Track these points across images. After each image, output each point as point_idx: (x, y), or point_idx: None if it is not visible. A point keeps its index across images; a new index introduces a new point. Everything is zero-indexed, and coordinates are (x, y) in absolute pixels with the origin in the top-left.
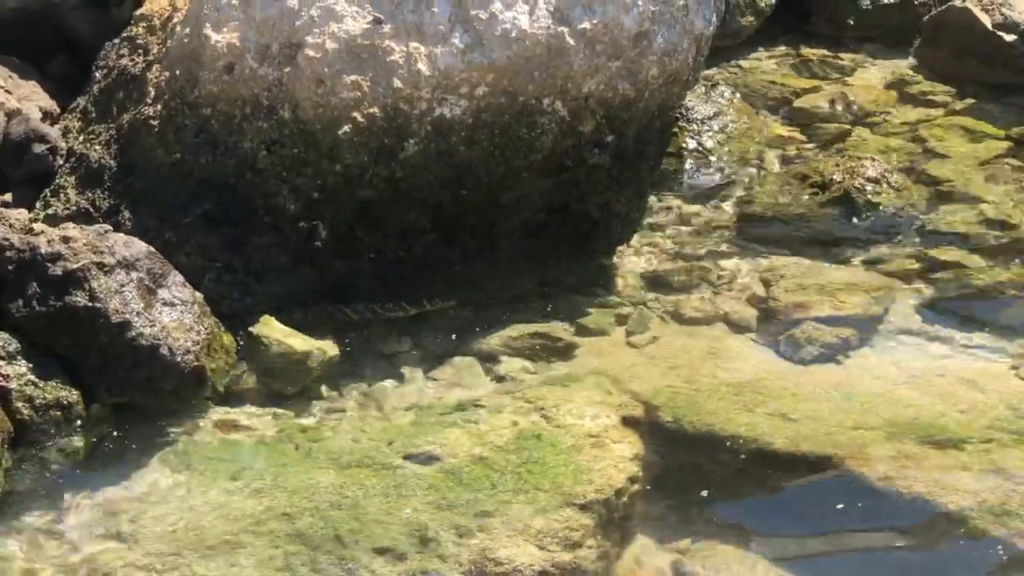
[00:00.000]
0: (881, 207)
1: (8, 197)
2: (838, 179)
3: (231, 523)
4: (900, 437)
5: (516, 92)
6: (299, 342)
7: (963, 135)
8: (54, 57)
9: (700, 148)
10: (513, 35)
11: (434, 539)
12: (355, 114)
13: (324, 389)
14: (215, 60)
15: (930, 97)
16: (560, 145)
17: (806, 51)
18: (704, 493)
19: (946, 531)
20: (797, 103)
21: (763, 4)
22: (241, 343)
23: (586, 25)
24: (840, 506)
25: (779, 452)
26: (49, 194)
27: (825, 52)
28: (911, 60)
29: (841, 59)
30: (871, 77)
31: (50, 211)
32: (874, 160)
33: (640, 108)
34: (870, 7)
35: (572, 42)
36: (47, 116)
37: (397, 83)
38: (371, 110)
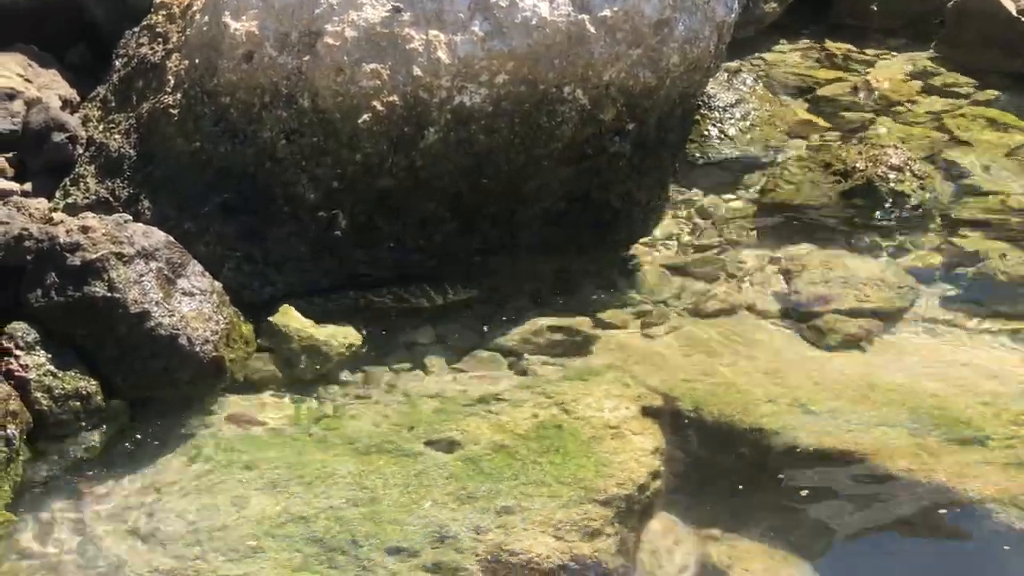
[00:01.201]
0: (904, 196)
1: (28, 186)
2: (861, 167)
3: (249, 523)
4: (923, 430)
5: (536, 80)
6: (319, 331)
7: (986, 125)
8: (74, 46)
9: (722, 136)
10: (533, 23)
11: (453, 536)
12: (375, 103)
13: (344, 377)
14: (234, 48)
15: (953, 88)
16: (581, 133)
17: (830, 44)
18: (726, 486)
19: (969, 524)
20: (820, 92)
21: None
22: (261, 333)
23: (607, 13)
24: (863, 500)
25: (800, 445)
26: (69, 183)
27: (849, 46)
28: (934, 52)
29: (865, 53)
30: (894, 68)
31: (70, 200)
32: (897, 148)
33: (661, 96)
34: None
35: (593, 30)
36: (67, 105)
37: (417, 71)
38: (391, 98)
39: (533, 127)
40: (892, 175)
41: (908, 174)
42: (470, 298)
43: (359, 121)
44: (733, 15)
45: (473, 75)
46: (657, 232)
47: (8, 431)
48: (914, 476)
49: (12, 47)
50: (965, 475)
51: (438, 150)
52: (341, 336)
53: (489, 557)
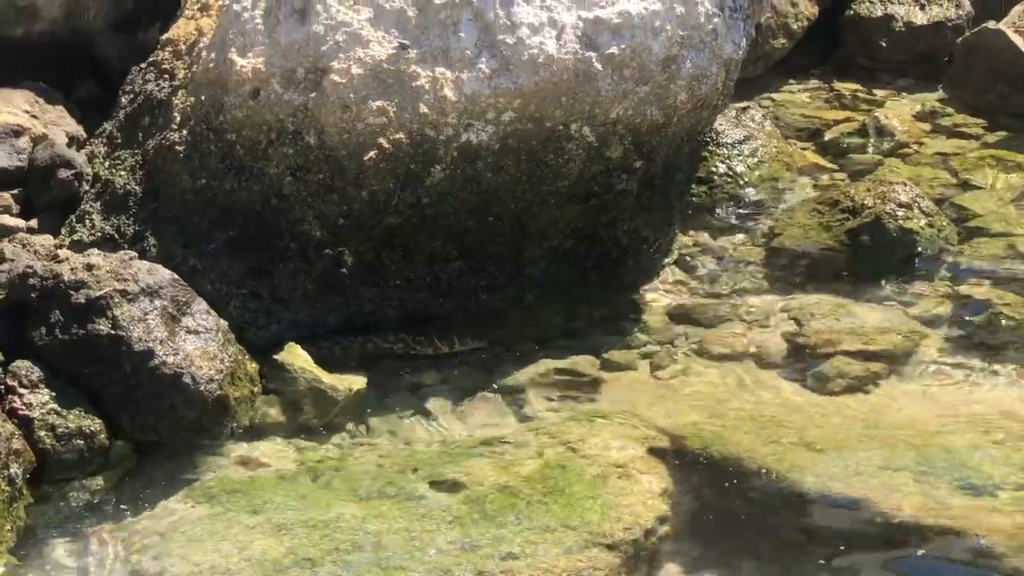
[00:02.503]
0: (913, 235)
1: (34, 223)
2: (869, 204)
3: (253, 566)
4: (930, 475)
5: (543, 118)
6: (325, 374)
7: (996, 167)
8: (81, 82)
9: (730, 172)
10: (540, 60)
11: None
12: (381, 140)
13: (349, 420)
14: (240, 85)
15: (962, 129)
16: (588, 171)
17: (839, 84)
18: (733, 531)
19: (978, 572)
20: (829, 134)
21: (795, 26)
22: (266, 371)
23: (614, 50)
24: (870, 546)
25: (807, 490)
26: (74, 220)
27: (858, 86)
28: (942, 92)
29: (873, 93)
30: (903, 109)
31: (75, 237)
32: (906, 185)
33: (669, 133)
34: (903, 30)
35: (600, 67)
36: (73, 141)
37: (423, 108)
38: (397, 136)
39: (540, 165)
40: (900, 212)
41: (916, 211)
42: (480, 346)
43: (365, 158)
44: (741, 52)
45: (480, 112)
46: (665, 271)
47: (11, 470)
48: (922, 522)
49: (20, 83)
50: (973, 521)
51: (445, 188)
52: (347, 382)
53: None
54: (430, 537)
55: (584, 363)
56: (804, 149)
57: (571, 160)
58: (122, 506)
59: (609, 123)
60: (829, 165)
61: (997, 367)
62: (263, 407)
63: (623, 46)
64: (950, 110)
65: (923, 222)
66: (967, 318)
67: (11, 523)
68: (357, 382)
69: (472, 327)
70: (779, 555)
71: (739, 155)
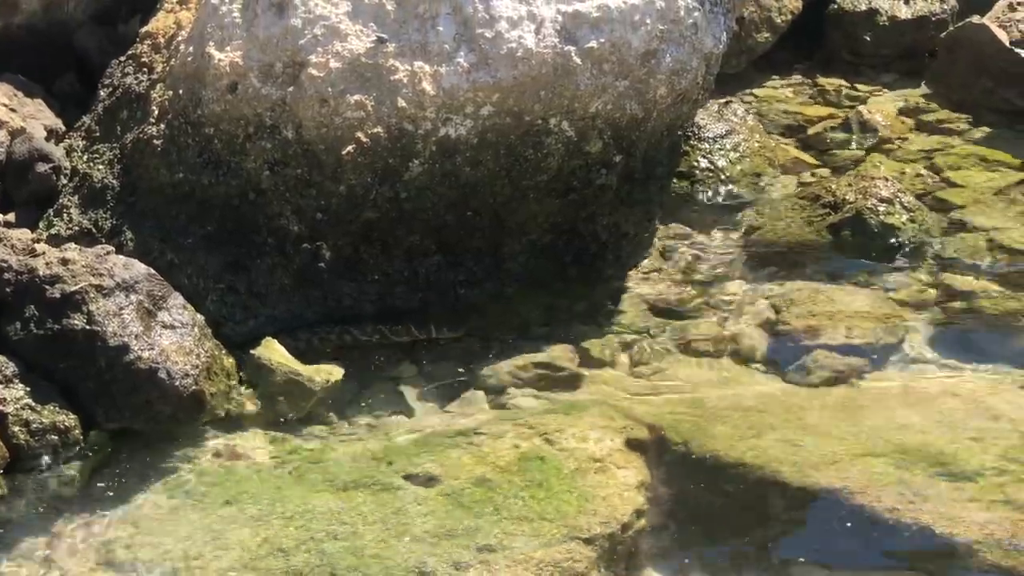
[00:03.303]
0: (894, 230)
1: (11, 217)
2: (850, 199)
3: (227, 555)
4: (909, 466)
5: (522, 112)
6: (302, 365)
7: (978, 163)
8: (62, 75)
9: (712, 167)
10: (519, 54)
11: (431, 572)
12: (359, 134)
13: (326, 413)
14: (218, 79)
15: (946, 125)
16: (567, 165)
17: (822, 80)
18: (711, 524)
19: (954, 564)
20: (812, 129)
21: (779, 20)
22: (243, 366)
23: (593, 44)
24: (848, 539)
25: (786, 481)
26: (52, 214)
27: (842, 82)
28: (926, 88)
29: (857, 89)
30: (887, 104)
31: (53, 231)
32: (887, 180)
33: (649, 128)
34: (887, 24)
35: (579, 61)
36: (52, 135)
37: (401, 103)
38: (375, 130)
39: (519, 159)
40: (882, 207)
41: (898, 206)
42: (456, 337)
43: (343, 152)
44: (722, 46)
45: (458, 107)
46: (644, 265)
47: None
48: (899, 515)
49: None
50: (951, 514)
51: (423, 182)
52: (324, 373)
53: None
54: (405, 528)
55: (562, 355)
56: (787, 144)
57: (550, 155)
58: (96, 495)
59: (588, 117)
60: (812, 160)
61: (977, 359)
62: (240, 400)
63: (602, 40)
64: (934, 105)
65: (904, 217)
66: (948, 309)
67: None
68: (335, 373)
69: (450, 319)
70: (758, 547)
71: (721, 150)
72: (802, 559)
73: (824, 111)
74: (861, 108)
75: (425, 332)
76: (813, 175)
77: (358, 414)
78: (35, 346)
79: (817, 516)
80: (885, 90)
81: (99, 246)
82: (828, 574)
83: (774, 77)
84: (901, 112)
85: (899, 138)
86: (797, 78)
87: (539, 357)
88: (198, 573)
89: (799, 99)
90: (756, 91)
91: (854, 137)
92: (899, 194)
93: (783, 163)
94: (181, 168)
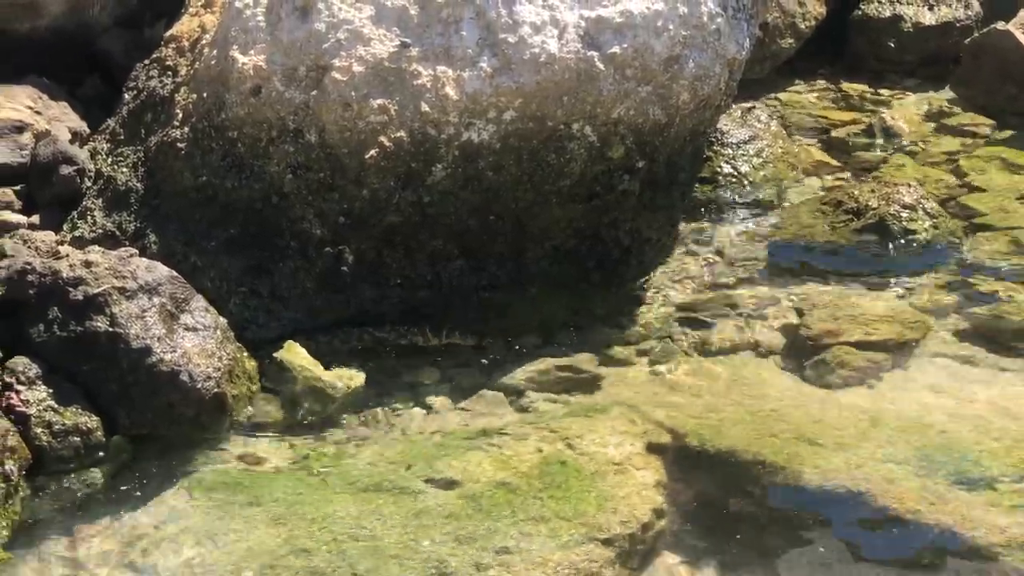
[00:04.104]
0: (917, 236)
1: (36, 219)
2: (873, 205)
3: (249, 557)
4: (930, 468)
5: (545, 117)
6: (324, 371)
7: (1002, 167)
8: (86, 78)
9: (735, 173)
10: (542, 59)
11: (453, 573)
12: (382, 138)
13: (347, 417)
14: (242, 82)
15: (969, 128)
16: (590, 171)
17: (846, 85)
18: (731, 526)
19: (975, 567)
20: (835, 133)
21: (803, 26)
22: (265, 369)
23: (616, 50)
24: (869, 541)
25: (806, 483)
26: (76, 216)
27: (865, 87)
28: (950, 92)
29: (880, 93)
30: (911, 109)
31: (77, 233)
32: (910, 186)
33: (671, 133)
34: (911, 30)
35: (602, 67)
36: (76, 137)
37: (424, 107)
38: (398, 134)
39: (541, 164)
40: (905, 213)
41: (921, 212)
42: (471, 343)
43: (366, 156)
44: (745, 52)
45: (481, 111)
46: (666, 269)
47: (6, 467)
48: (920, 517)
49: (24, 79)
50: (972, 517)
51: (446, 186)
52: (346, 377)
53: None
54: (425, 531)
55: (584, 359)
56: (810, 147)
57: (572, 160)
58: (118, 499)
59: (611, 123)
60: (835, 164)
61: (1000, 362)
62: (261, 403)
63: (625, 46)
64: (957, 110)
65: (927, 223)
66: (970, 312)
67: (6, 520)
68: (356, 378)
69: (469, 324)
70: (778, 550)
71: (744, 155)
72: (822, 561)
73: (848, 115)
74: (884, 113)
75: (437, 336)
76: (836, 180)
77: (379, 418)
78: (58, 348)
79: (837, 518)
80: (909, 94)
81: (122, 249)
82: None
83: (798, 82)
84: (925, 117)
85: (923, 142)
86: (821, 83)
87: (561, 361)
88: (219, 574)
89: (823, 103)
90: (780, 95)
91: (877, 142)
92: (922, 200)
93: (806, 168)
94: (204, 171)
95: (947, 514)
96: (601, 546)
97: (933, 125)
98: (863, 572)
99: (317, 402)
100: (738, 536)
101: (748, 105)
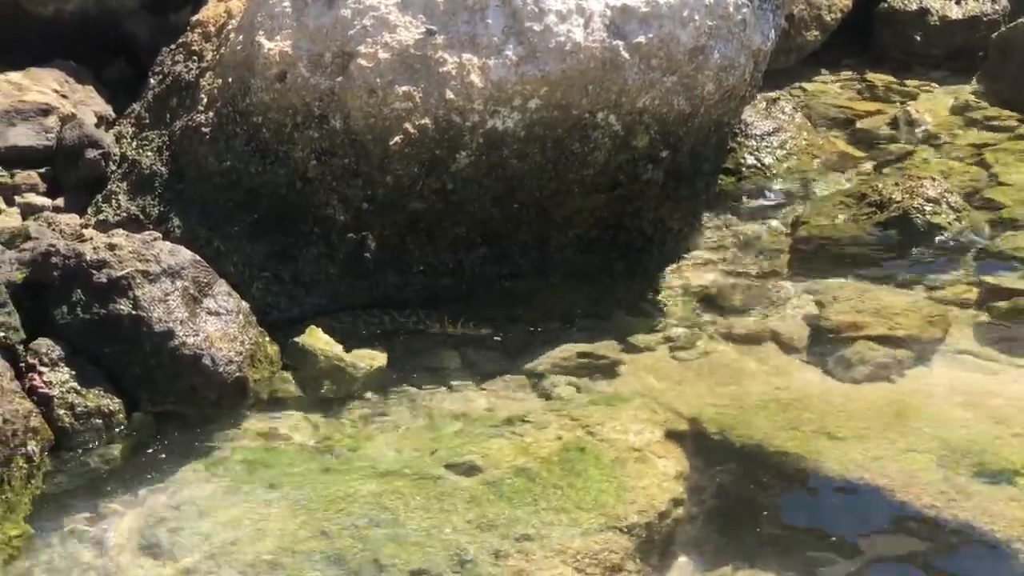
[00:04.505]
0: (940, 229)
1: (60, 202)
2: (897, 199)
3: (269, 538)
4: (951, 462)
5: (569, 106)
6: (345, 353)
7: None
8: (112, 62)
9: (759, 164)
10: (567, 48)
11: (472, 560)
12: (406, 125)
13: (368, 399)
14: (267, 68)
15: (995, 122)
16: (614, 160)
17: (871, 76)
18: (750, 517)
19: (994, 561)
20: (860, 124)
21: (829, 18)
22: (286, 352)
23: (641, 39)
24: (888, 534)
25: (826, 475)
26: (101, 200)
27: (891, 78)
28: (976, 85)
29: (906, 85)
30: (936, 100)
31: (101, 217)
32: (934, 180)
33: (696, 124)
34: (938, 24)
35: (627, 56)
36: (102, 121)
37: (449, 94)
38: (423, 121)
39: (566, 153)
40: (928, 207)
41: (944, 206)
42: (485, 334)
43: (391, 143)
44: (770, 43)
45: (506, 99)
46: (689, 259)
47: (29, 448)
48: (940, 512)
49: (51, 62)
50: (992, 511)
51: (470, 174)
52: (367, 359)
53: None
54: (447, 516)
55: (607, 346)
56: (835, 138)
57: (597, 149)
58: (139, 475)
59: (635, 112)
60: (859, 155)
61: (1022, 356)
62: (281, 384)
63: (651, 35)
64: (983, 103)
65: (951, 217)
66: (993, 306)
67: (28, 496)
68: (378, 359)
69: (491, 311)
70: (796, 541)
71: (768, 147)
72: (841, 553)
73: (873, 106)
74: (909, 106)
75: (452, 324)
76: (860, 172)
77: (400, 401)
78: (81, 330)
79: (858, 510)
80: (935, 86)
81: (146, 232)
82: (867, 568)
83: (823, 72)
84: (950, 109)
85: (948, 134)
86: (846, 74)
87: (583, 347)
88: (239, 555)
89: (848, 94)
90: (805, 85)
91: (902, 133)
92: (946, 194)
93: (830, 159)
94: (229, 156)
95: (967, 509)
96: (620, 535)
97: (959, 119)
98: (883, 564)
99: (339, 382)
100: (758, 529)
101: (773, 96)
